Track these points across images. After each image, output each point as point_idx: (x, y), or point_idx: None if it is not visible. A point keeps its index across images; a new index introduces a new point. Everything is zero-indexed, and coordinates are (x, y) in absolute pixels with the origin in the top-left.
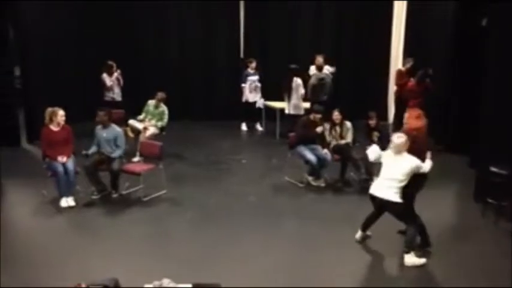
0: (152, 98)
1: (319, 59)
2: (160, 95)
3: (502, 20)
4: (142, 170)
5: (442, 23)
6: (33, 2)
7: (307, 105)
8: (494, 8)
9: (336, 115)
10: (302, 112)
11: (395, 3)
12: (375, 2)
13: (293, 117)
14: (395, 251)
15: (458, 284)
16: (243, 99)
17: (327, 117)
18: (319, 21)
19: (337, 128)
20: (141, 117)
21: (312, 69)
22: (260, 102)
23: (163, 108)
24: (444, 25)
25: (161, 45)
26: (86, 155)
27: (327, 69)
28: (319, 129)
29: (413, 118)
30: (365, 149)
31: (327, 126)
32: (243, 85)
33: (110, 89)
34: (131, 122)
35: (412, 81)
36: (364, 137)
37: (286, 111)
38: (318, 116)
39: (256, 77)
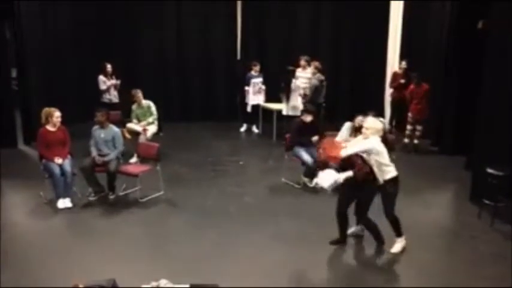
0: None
1: (315, 63)
2: (133, 92)
3: (499, 21)
4: (140, 172)
5: (439, 24)
6: (30, 3)
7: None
8: (492, 9)
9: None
10: (299, 113)
11: (392, 4)
12: (372, 3)
13: (291, 119)
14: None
15: (453, 284)
16: (247, 102)
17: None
18: (316, 22)
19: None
20: (135, 121)
21: (308, 72)
22: (250, 104)
23: (147, 103)
24: (441, 26)
25: (159, 46)
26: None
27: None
28: (314, 138)
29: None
30: None
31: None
32: (246, 88)
33: (107, 90)
34: (129, 125)
35: (412, 85)
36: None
37: (284, 113)
38: (309, 116)
39: (259, 79)
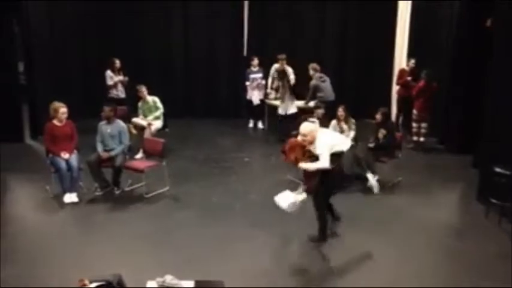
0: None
1: (313, 65)
2: (138, 87)
3: (506, 20)
4: (146, 167)
5: (446, 23)
6: None
7: (300, 103)
8: (499, 8)
9: (340, 111)
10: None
11: (400, 3)
12: (379, 2)
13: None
14: (397, 250)
15: (460, 284)
16: (247, 97)
17: (332, 116)
18: (323, 21)
19: (343, 125)
20: (141, 117)
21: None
22: (256, 99)
23: (153, 98)
24: (449, 25)
25: (164, 43)
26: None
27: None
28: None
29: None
30: (367, 147)
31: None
32: (247, 83)
33: (114, 86)
34: (134, 120)
35: (421, 82)
36: (371, 134)
37: (291, 111)
38: (320, 111)
39: (259, 75)
